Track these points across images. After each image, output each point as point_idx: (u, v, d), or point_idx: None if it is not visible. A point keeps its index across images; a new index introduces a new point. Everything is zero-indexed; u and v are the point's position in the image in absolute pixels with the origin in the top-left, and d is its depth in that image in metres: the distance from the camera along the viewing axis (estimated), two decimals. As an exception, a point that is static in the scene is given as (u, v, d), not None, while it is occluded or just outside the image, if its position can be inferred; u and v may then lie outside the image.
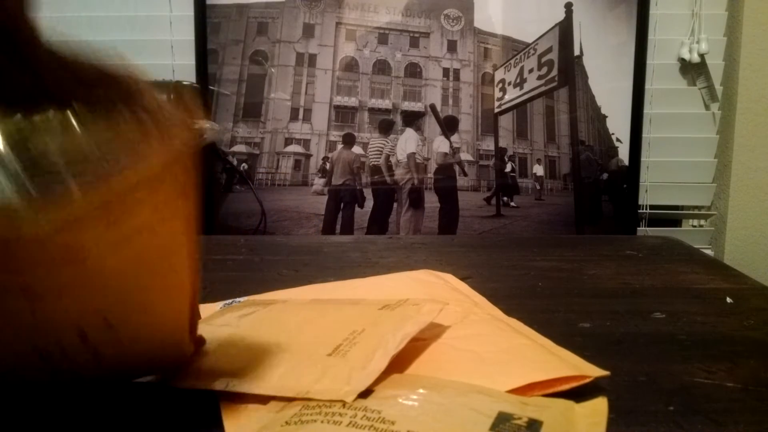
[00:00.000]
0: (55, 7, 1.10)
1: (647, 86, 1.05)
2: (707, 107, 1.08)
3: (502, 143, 1.09)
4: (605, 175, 1.08)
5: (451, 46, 1.08)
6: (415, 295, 0.52)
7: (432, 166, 1.08)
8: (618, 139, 1.07)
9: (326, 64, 1.08)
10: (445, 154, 1.08)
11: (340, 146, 1.08)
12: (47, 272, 0.24)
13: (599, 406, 0.30)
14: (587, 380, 0.33)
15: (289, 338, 0.38)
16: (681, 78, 1.08)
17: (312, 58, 1.08)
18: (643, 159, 1.07)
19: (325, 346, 0.35)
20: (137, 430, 0.31)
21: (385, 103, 1.08)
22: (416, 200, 1.08)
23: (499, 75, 1.08)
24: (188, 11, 1.06)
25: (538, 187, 1.09)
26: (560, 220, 1.09)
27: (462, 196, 1.09)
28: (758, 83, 1.02)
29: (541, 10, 1.06)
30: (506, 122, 1.09)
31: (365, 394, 0.30)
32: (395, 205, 1.08)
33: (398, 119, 1.08)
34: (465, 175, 1.09)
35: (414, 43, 1.08)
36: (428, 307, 0.39)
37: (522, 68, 1.07)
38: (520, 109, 1.08)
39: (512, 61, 1.07)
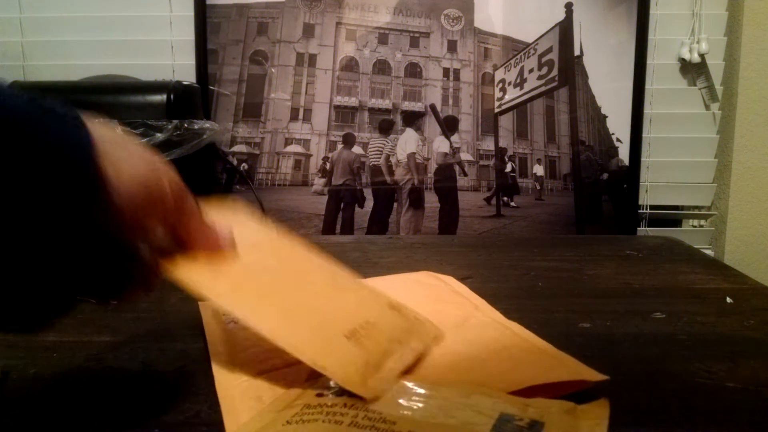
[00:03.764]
0: (56, 7, 1.10)
1: (647, 86, 1.06)
2: (707, 107, 1.08)
3: (502, 143, 1.09)
4: (605, 175, 1.08)
5: (451, 46, 1.08)
6: (415, 298, 0.52)
7: (432, 166, 1.08)
8: (618, 139, 1.07)
9: (326, 64, 1.08)
10: (445, 154, 1.08)
11: (340, 146, 1.08)
12: None
13: (600, 407, 0.30)
14: (587, 385, 0.33)
15: (306, 301, 0.38)
16: (681, 78, 1.08)
17: (312, 58, 1.08)
18: (643, 159, 1.07)
19: (342, 324, 0.35)
20: (137, 428, 0.31)
21: (385, 103, 1.08)
22: (416, 200, 1.08)
23: (499, 75, 1.08)
24: (188, 11, 1.06)
25: (538, 187, 1.09)
26: (560, 220, 1.09)
27: (462, 196, 1.09)
28: (758, 83, 1.02)
29: (541, 10, 1.06)
30: (506, 122, 1.09)
31: (366, 394, 0.30)
32: (395, 205, 1.08)
33: (398, 119, 1.08)
34: (465, 175, 1.09)
35: (414, 43, 1.08)
36: (428, 327, 0.40)
37: (522, 68, 1.07)
38: (520, 109, 1.08)
39: (512, 61, 1.07)
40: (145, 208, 0.29)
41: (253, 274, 0.38)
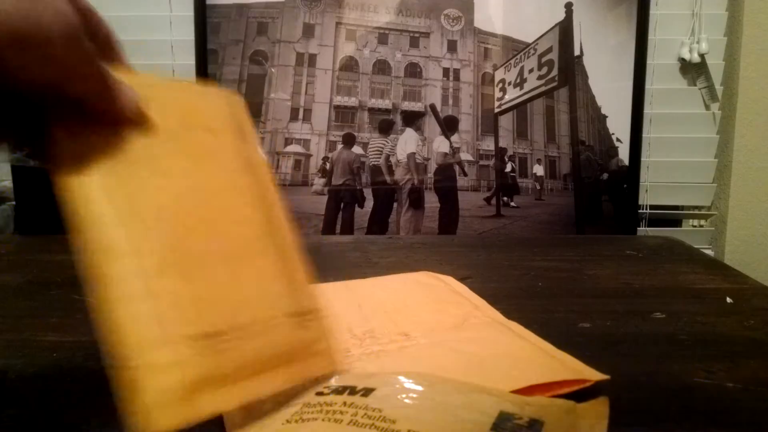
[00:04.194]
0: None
1: (647, 86, 1.05)
2: (707, 107, 1.08)
3: (502, 143, 1.09)
4: (605, 175, 1.08)
5: (451, 46, 1.08)
6: (415, 298, 0.52)
7: (432, 166, 1.08)
8: (618, 139, 1.07)
9: (326, 64, 1.08)
10: (445, 154, 1.08)
11: (340, 146, 1.08)
12: None
13: (600, 406, 0.30)
14: (587, 384, 0.33)
15: (190, 260, 0.27)
16: (681, 78, 1.08)
17: (312, 58, 1.08)
18: (643, 159, 1.07)
19: (208, 317, 0.26)
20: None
21: (385, 103, 1.08)
22: (416, 200, 1.08)
23: (499, 75, 1.08)
24: (188, 11, 1.06)
25: (538, 187, 1.09)
26: (560, 220, 1.09)
27: (462, 196, 1.09)
28: (758, 83, 1.02)
29: (541, 10, 1.06)
30: (506, 122, 1.09)
31: (366, 392, 0.30)
32: (395, 205, 1.08)
33: (398, 119, 1.08)
34: (465, 175, 1.09)
35: (414, 43, 1.08)
36: (323, 361, 0.31)
37: (522, 68, 1.07)
38: (520, 109, 1.08)
39: (512, 61, 1.07)
40: (13, 51, 0.23)
41: (147, 181, 0.28)
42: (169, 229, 0.27)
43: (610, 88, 1.06)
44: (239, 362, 0.26)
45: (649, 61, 1.05)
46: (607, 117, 1.07)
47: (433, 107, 1.08)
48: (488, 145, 1.09)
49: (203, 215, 0.29)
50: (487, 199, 1.09)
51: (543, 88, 1.07)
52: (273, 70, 1.08)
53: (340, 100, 1.08)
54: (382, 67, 1.08)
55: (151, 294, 0.25)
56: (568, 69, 1.06)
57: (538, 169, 1.09)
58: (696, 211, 1.12)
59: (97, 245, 0.25)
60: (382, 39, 1.08)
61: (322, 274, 0.61)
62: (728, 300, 0.53)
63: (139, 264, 0.25)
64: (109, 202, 0.26)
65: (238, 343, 0.26)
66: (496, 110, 1.09)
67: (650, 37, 1.04)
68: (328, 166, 1.08)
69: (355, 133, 1.08)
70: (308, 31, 1.07)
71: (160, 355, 0.24)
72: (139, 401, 0.23)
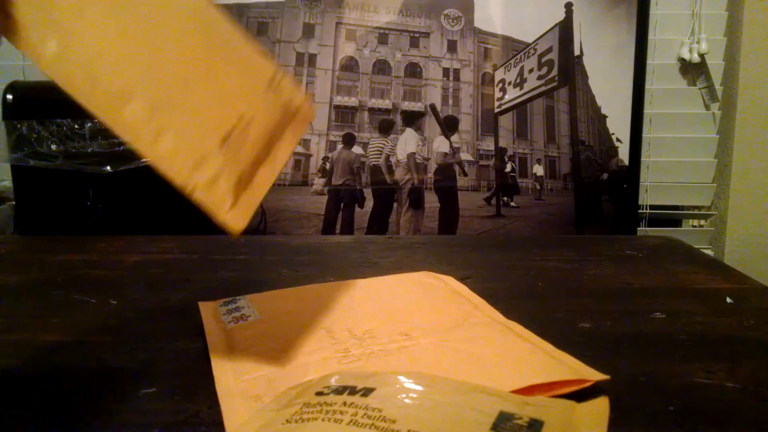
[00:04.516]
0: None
1: (647, 86, 1.06)
2: (707, 107, 1.08)
3: (502, 143, 1.09)
4: (605, 175, 1.08)
5: (451, 46, 1.08)
6: (414, 298, 0.52)
7: (432, 166, 1.08)
8: (618, 139, 1.07)
9: (326, 64, 1.08)
10: (445, 154, 1.08)
11: (340, 146, 1.08)
12: None
13: (600, 406, 0.30)
14: (587, 384, 0.33)
15: (177, 81, 0.29)
16: (681, 78, 1.08)
17: (312, 58, 1.08)
18: (643, 159, 1.07)
19: (217, 123, 0.28)
20: (137, 428, 0.31)
21: (385, 103, 1.08)
22: (416, 200, 1.08)
23: (499, 75, 1.08)
24: (188, 11, 1.06)
25: (538, 187, 1.09)
26: (560, 220, 1.09)
27: (462, 196, 1.09)
28: (758, 83, 1.02)
29: (541, 10, 1.06)
30: (506, 122, 1.09)
31: (366, 392, 0.30)
32: (395, 205, 1.08)
33: (398, 119, 1.08)
34: (465, 175, 1.09)
35: (414, 43, 1.08)
36: (300, 107, 0.33)
37: (522, 68, 1.07)
38: (520, 109, 1.08)
39: (512, 61, 1.07)
40: None
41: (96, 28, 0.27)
42: (138, 64, 0.28)
43: (610, 88, 1.06)
44: (252, 149, 0.29)
45: (649, 61, 1.05)
46: (607, 117, 1.07)
47: (433, 107, 1.08)
48: (488, 145, 1.09)
49: (159, 40, 0.29)
50: (487, 199, 1.09)
51: (543, 88, 1.07)
52: (273, 70, 1.08)
53: (340, 100, 1.08)
54: (382, 67, 1.08)
55: (162, 127, 0.27)
56: (568, 69, 1.06)
57: (538, 169, 1.09)
58: (696, 211, 1.12)
59: (94, 102, 0.26)
60: (382, 39, 1.08)
61: (322, 274, 0.61)
62: (728, 300, 0.53)
63: (135, 108, 0.27)
64: (75, 65, 0.27)
65: (244, 132, 0.29)
66: (496, 110, 1.09)
67: (650, 37, 1.05)
68: (328, 166, 1.08)
69: (355, 133, 1.08)
70: (308, 31, 1.07)
71: (202, 173, 0.27)
72: (213, 216, 0.26)
